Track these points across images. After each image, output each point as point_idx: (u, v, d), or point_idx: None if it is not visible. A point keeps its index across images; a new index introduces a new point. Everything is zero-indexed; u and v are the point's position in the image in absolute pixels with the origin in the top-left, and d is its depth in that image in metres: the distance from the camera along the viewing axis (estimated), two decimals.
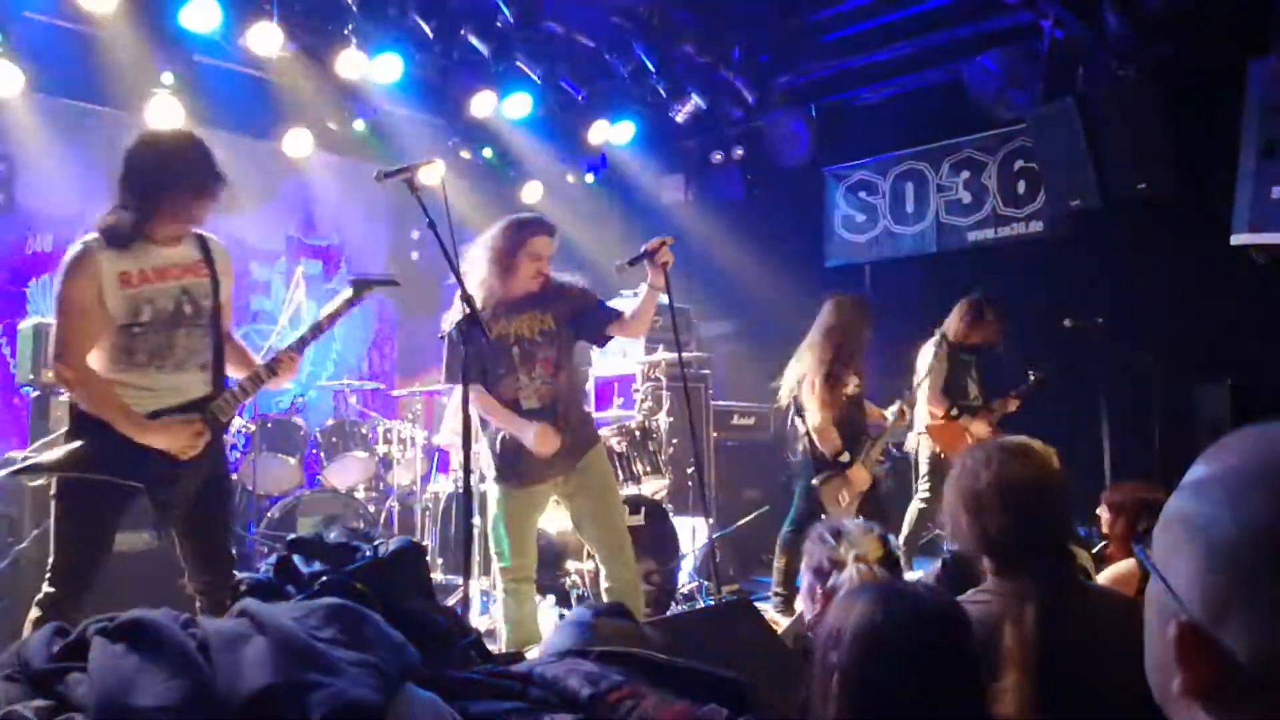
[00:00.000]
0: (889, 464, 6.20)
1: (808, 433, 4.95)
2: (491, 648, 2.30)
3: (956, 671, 1.46)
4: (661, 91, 7.22)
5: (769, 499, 6.47)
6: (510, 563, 3.71)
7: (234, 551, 3.25)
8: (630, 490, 5.13)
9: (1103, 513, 3.50)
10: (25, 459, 3.09)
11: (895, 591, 1.51)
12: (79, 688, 1.31)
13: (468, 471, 3.11)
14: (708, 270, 7.94)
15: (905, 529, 5.49)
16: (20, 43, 5.39)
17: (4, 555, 4.28)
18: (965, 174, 7.31)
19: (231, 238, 4.21)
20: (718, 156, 8.19)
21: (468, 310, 3.19)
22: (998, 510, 1.92)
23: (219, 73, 6.13)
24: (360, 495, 5.85)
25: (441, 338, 3.68)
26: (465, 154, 7.49)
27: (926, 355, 5.59)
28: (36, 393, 4.84)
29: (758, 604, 3.42)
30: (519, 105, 7.00)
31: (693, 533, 5.80)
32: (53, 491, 2.96)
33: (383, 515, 5.89)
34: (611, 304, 4.02)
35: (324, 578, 1.68)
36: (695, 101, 7.43)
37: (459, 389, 3.49)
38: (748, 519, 6.13)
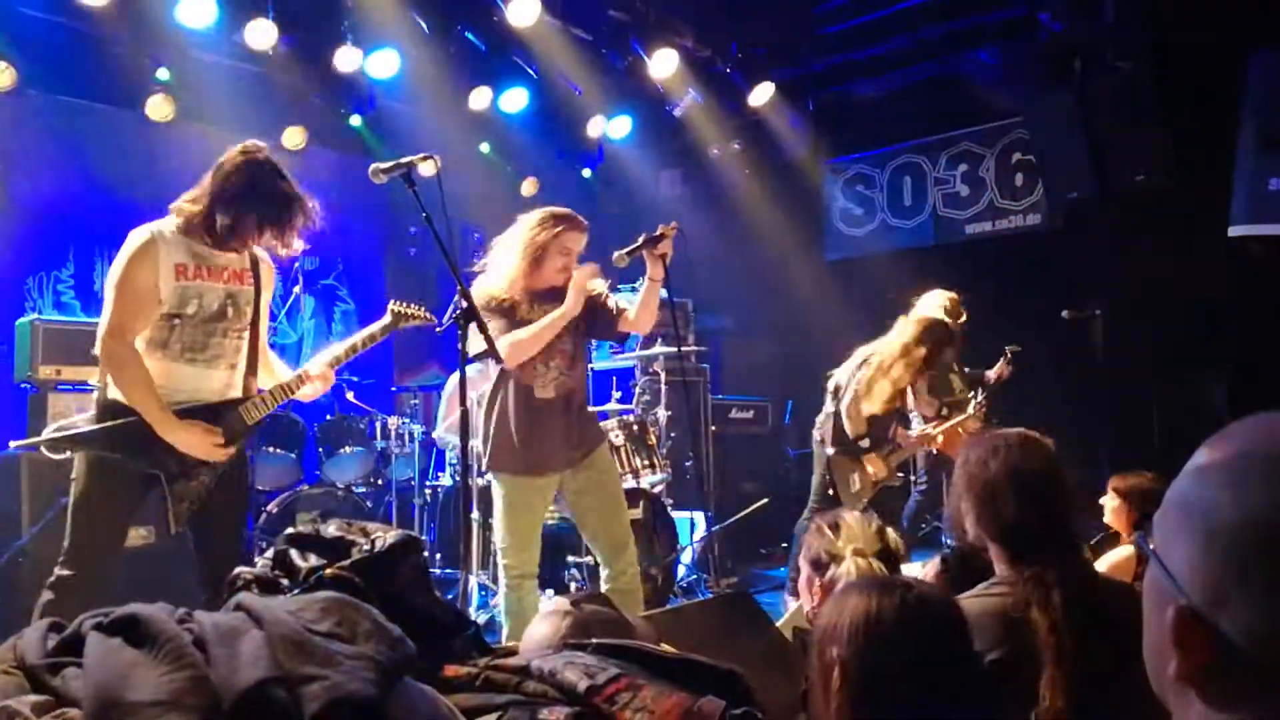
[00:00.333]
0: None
1: (836, 413, 4.96)
2: (490, 641, 2.30)
3: (954, 663, 1.46)
4: (659, 85, 7.20)
5: (768, 492, 6.48)
6: (510, 559, 3.66)
7: (243, 552, 3.27)
8: (629, 484, 5.13)
9: (1110, 499, 3.50)
10: (58, 429, 3.17)
11: (891, 585, 1.51)
12: (74, 682, 1.30)
13: (465, 464, 3.11)
14: (706, 264, 7.94)
15: (903, 523, 5.50)
16: (15, 38, 5.37)
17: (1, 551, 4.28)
18: (963, 167, 7.31)
19: None
20: (715, 151, 8.18)
21: (465, 305, 3.18)
22: (1011, 498, 1.92)
23: (215, 68, 6.11)
24: (359, 490, 5.85)
25: (439, 331, 3.67)
26: (462, 149, 7.47)
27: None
28: (34, 390, 4.83)
29: (759, 597, 3.42)
30: (516, 100, 6.99)
31: (691, 526, 5.81)
32: (73, 474, 3.03)
33: (381, 510, 5.90)
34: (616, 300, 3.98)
35: (321, 571, 1.67)
36: (693, 95, 7.41)
37: (454, 381, 3.48)
38: (746, 512, 6.14)
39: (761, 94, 7.32)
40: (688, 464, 6.52)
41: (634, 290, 3.95)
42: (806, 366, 6.60)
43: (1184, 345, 5.76)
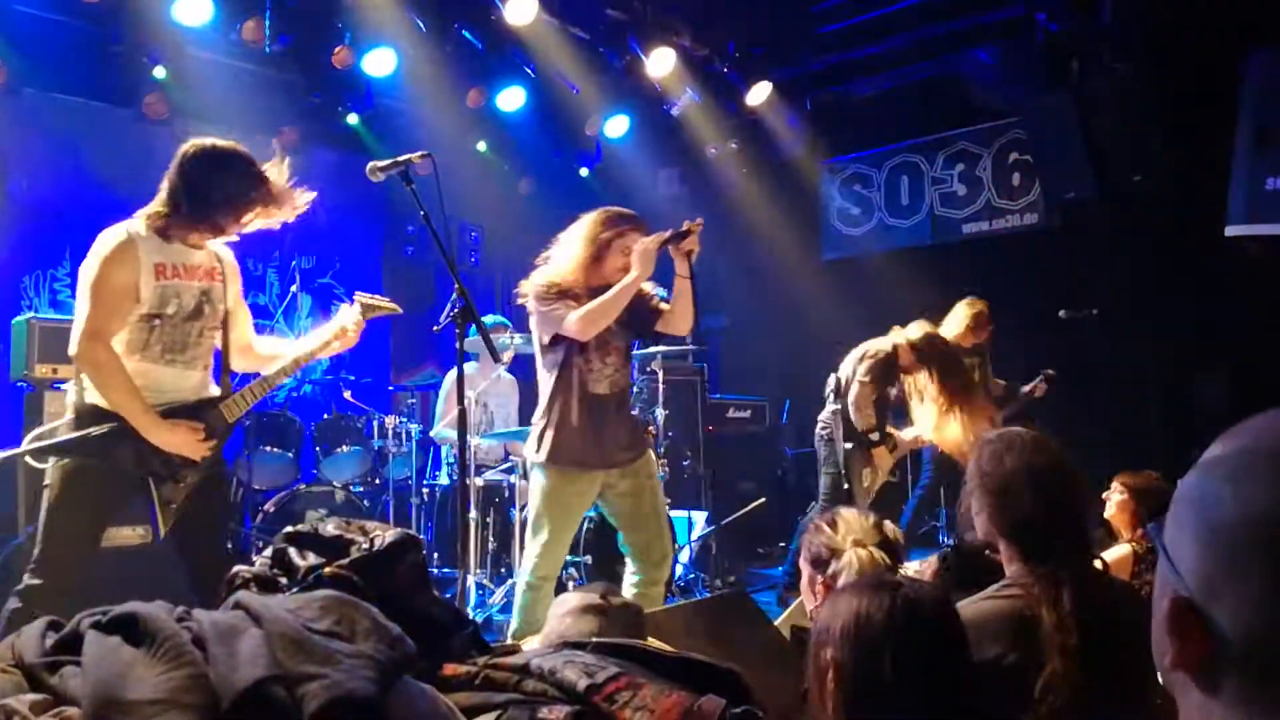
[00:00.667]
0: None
1: (843, 409, 4.95)
2: (489, 640, 2.30)
3: (946, 664, 1.47)
4: (656, 85, 7.20)
5: (765, 491, 6.48)
6: (541, 558, 3.53)
7: (229, 547, 3.25)
8: None
9: (1115, 493, 3.49)
10: (35, 438, 3.07)
11: (884, 585, 1.51)
12: (73, 680, 1.30)
13: (463, 463, 3.10)
14: (703, 263, 7.91)
15: (902, 523, 5.50)
16: (11, 36, 5.35)
17: None
18: (960, 166, 7.31)
19: None
20: (713, 150, 8.18)
21: (462, 303, 3.18)
22: (1026, 495, 1.92)
23: (211, 66, 6.10)
24: (356, 489, 5.84)
25: (436, 330, 3.65)
26: (459, 148, 7.46)
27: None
28: (30, 389, 4.82)
29: (756, 596, 3.43)
30: (513, 98, 6.99)
31: (689, 525, 5.80)
32: (46, 481, 2.95)
33: (378, 509, 5.89)
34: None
35: (319, 570, 1.67)
36: (690, 95, 7.41)
37: (451, 379, 3.46)
38: (744, 511, 6.14)
39: (759, 93, 7.32)
40: (685, 463, 6.52)
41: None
42: (804, 366, 6.61)
43: (1180, 345, 5.77)
